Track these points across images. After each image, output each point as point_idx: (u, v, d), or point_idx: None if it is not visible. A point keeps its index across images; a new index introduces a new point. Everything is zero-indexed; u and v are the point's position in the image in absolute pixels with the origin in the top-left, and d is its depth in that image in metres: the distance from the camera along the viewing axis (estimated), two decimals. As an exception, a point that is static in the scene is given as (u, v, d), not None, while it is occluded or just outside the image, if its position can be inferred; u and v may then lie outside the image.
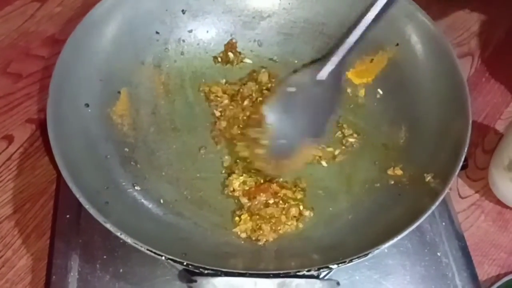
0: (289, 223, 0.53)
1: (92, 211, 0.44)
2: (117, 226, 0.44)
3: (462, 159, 0.49)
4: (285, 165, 0.55)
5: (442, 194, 0.47)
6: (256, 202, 0.53)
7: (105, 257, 0.52)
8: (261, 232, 0.52)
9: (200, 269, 0.44)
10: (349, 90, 0.61)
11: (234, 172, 0.55)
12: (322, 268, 0.45)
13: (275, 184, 0.55)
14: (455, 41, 0.76)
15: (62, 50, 0.53)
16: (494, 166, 0.61)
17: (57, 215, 0.56)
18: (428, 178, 0.51)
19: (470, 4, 0.80)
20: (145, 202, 0.53)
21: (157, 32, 0.60)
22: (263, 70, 0.62)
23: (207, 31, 0.63)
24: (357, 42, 0.55)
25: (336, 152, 0.58)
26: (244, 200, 0.54)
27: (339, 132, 0.59)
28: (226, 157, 0.57)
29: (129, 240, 0.44)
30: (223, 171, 0.56)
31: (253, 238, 0.52)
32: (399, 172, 0.55)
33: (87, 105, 0.54)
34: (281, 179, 0.56)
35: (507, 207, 0.62)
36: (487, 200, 0.63)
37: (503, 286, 0.57)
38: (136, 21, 0.59)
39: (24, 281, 0.54)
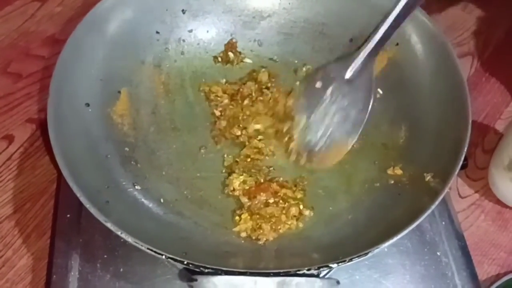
0: (289, 222, 0.53)
1: (92, 210, 0.45)
2: (117, 225, 0.44)
3: (462, 158, 0.49)
4: (318, 159, 0.56)
5: (442, 194, 0.48)
6: (256, 202, 0.53)
7: (105, 256, 0.52)
8: (261, 231, 0.52)
9: (201, 268, 0.44)
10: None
11: (234, 172, 0.55)
12: (322, 267, 0.45)
13: (275, 184, 0.55)
14: (455, 41, 0.76)
15: (62, 50, 0.53)
16: (494, 166, 0.61)
17: (57, 214, 0.56)
18: (428, 177, 0.51)
19: (470, 4, 0.80)
20: (146, 202, 0.53)
21: (157, 32, 0.61)
22: (263, 69, 0.62)
23: (207, 31, 0.63)
24: (382, 39, 0.56)
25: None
26: (244, 199, 0.54)
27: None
28: (226, 156, 0.57)
29: (129, 239, 0.44)
30: (223, 171, 0.56)
31: (253, 238, 0.52)
32: (399, 171, 0.55)
33: (87, 104, 0.54)
34: (281, 179, 0.56)
35: (506, 206, 0.62)
36: (487, 199, 0.63)
37: (503, 286, 0.57)
38: (137, 20, 0.59)
39: (24, 280, 0.54)
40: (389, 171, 0.55)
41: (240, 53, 0.63)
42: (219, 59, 0.63)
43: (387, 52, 0.59)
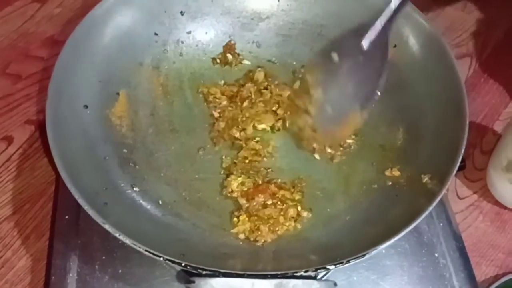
0: (287, 224, 0.53)
1: (91, 212, 0.45)
2: (115, 227, 0.44)
3: (459, 160, 0.49)
4: (334, 134, 0.56)
5: (439, 195, 0.48)
6: (254, 203, 0.53)
7: (104, 258, 0.52)
8: (259, 233, 0.52)
9: (198, 270, 0.44)
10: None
11: (232, 173, 0.56)
12: (319, 268, 0.45)
13: (273, 185, 0.55)
14: (453, 42, 0.76)
15: (61, 51, 0.53)
16: (492, 167, 0.61)
17: (56, 216, 0.56)
18: (425, 179, 0.51)
19: (469, 5, 0.80)
20: (144, 203, 0.53)
21: (156, 34, 0.61)
22: (259, 69, 0.62)
23: (206, 33, 0.63)
24: (397, 9, 0.53)
25: (334, 153, 0.58)
26: (243, 201, 0.54)
27: (338, 133, 0.59)
28: (224, 157, 0.57)
29: (127, 241, 0.44)
30: (222, 172, 0.57)
31: (251, 239, 0.52)
32: (396, 173, 0.55)
33: (86, 106, 0.54)
34: (279, 180, 0.56)
35: (505, 207, 0.62)
36: (485, 200, 0.63)
37: (501, 287, 0.57)
38: (135, 22, 0.59)
39: (23, 281, 0.54)
40: (387, 173, 0.55)
41: (238, 54, 0.64)
42: (218, 60, 0.63)
43: (385, 54, 0.59)
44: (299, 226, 0.53)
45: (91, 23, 0.56)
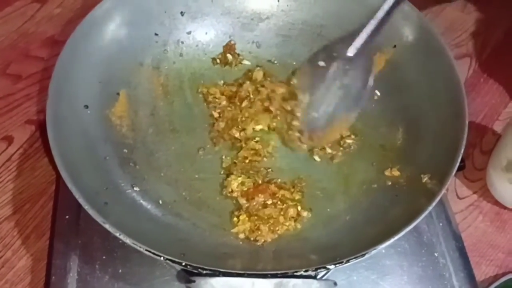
0: (287, 223, 0.53)
1: (91, 211, 0.45)
2: (116, 227, 0.44)
3: (459, 160, 0.49)
4: (319, 136, 0.56)
5: (439, 195, 0.48)
6: (254, 203, 0.54)
7: (104, 257, 0.53)
8: (259, 232, 0.52)
9: (199, 270, 0.44)
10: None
11: (232, 173, 0.56)
12: (319, 268, 0.45)
13: (273, 185, 0.55)
14: (453, 42, 0.76)
15: (61, 51, 0.53)
16: (492, 167, 0.62)
17: (56, 215, 0.56)
18: (425, 179, 0.51)
19: (469, 5, 0.81)
20: (144, 203, 0.53)
21: (156, 34, 0.61)
22: (258, 68, 0.62)
23: (206, 33, 0.63)
24: (384, 19, 0.55)
25: (334, 153, 0.58)
26: (243, 201, 0.54)
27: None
28: (224, 157, 0.58)
29: (128, 241, 0.44)
30: (222, 172, 0.57)
31: (251, 239, 0.52)
32: (396, 173, 0.55)
33: (86, 106, 0.54)
34: (279, 180, 0.56)
35: (505, 207, 0.62)
36: (485, 200, 0.63)
37: (501, 287, 0.57)
38: (135, 22, 0.59)
39: (23, 281, 0.54)
40: (387, 173, 0.55)
41: (238, 55, 0.64)
42: (218, 60, 0.63)
43: (384, 54, 0.60)
44: (299, 226, 0.53)
45: (91, 23, 0.56)
